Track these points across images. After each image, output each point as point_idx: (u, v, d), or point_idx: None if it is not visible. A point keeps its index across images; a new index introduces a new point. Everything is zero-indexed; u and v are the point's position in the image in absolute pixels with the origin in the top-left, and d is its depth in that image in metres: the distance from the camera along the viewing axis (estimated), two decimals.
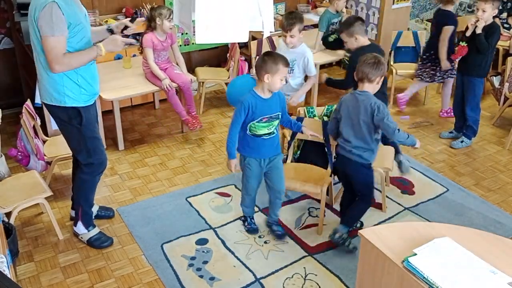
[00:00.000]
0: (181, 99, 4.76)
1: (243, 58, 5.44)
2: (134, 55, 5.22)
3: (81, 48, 2.99)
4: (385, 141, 3.86)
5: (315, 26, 6.36)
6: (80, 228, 3.49)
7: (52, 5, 2.78)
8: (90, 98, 3.15)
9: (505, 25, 6.36)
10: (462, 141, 4.77)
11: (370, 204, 3.52)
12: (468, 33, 4.37)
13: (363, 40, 3.87)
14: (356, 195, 3.46)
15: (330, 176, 3.65)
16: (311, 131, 3.48)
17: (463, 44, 4.43)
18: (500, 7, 5.69)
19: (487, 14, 4.28)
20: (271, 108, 3.25)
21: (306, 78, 4.29)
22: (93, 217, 3.63)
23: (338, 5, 5.20)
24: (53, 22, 2.79)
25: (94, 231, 3.50)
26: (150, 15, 4.52)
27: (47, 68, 2.97)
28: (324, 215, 3.70)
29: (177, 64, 4.80)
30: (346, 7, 6.62)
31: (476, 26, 4.31)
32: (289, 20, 3.98)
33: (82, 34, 2.99)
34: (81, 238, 3.51)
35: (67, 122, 3.13)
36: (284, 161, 3.78)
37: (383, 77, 3.26)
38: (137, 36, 4.78)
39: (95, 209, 3.71)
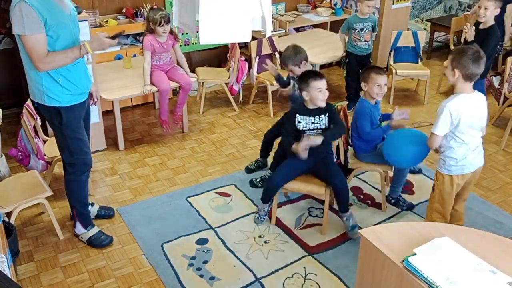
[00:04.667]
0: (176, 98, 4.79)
1: (243, 58, 5.44)
2: (135, 55, 5.23)
3: (59, 48, 2.95)
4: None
5: (315, 26, 6.39)
6: (79, 228, 3.50)
7: (21, 4, 2.76)
8: (74, 98, 3.12)
9: None
10: None
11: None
12: (462, 39, 4.36)
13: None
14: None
15: None
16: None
17: None
18: None
19: (489, 12, 4.27)
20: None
21: None
22: (93, 217, 3.64)
23: (361, 8, 5.07)
24: (23, 21, 2.77)
25: (93, 231, 3.50)
26: (146, 18, 4.52)
27: (28, 67, 2.98)
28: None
29: (178, 65, 4.80)
30: (346, 7, 6.64)
31: (468, 34, 4.27)
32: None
33: (65, 36, 2.95)
34: (81, 238, 3.51)
35: (49, 120, 3.19)
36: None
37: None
38: (138, 36, 4.79)
39: (95, 209, 3.72)
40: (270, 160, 4.32)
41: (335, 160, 3.77)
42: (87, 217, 3.51)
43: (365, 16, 5.11)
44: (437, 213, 3.23)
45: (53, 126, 3.20)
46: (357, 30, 5.13)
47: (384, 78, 3.64)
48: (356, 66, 5.18)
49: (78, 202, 3.44)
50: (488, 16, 4.28)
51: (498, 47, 5.80)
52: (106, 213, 3.77)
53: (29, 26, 2.79)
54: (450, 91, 5.70)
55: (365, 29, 5.11)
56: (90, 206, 3.68)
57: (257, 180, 4.17)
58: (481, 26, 4.40)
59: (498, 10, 4.34)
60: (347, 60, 5.32)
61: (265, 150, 4.33)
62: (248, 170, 4.34)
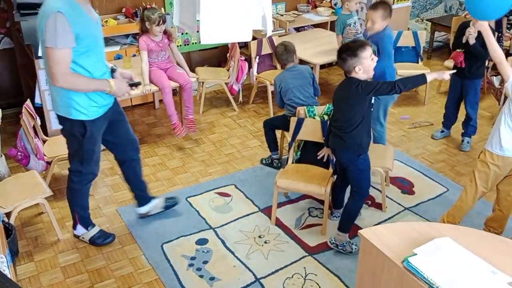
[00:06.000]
0: (180, 101, 4.76)
1: (243, 58, 5.44)
2: (134, 55, 5.22)
3: (86, 65, 2.88)
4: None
5: (315, 26, 6.38)
6: (79, 230, 3.50)
7: (57, 15, 2.67)
8: (100, 110, 3.08)
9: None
10: (468, 142, 4.78)
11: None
12: (464, 39, 4.35)
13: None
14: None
15: (332, 176, 3.65)
16: None
17: (459, 50, 4.43)
18: None
19: None
20: None
21: None
22: (162, 209, 3.71)
23: (350, 6, 5.15)
24: (56, 33, 2.68)
25: (94, 230, 3.50)
26: (141, 17, 4.52)
27: None
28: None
29: (177, 65, 4.80)
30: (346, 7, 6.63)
31: (472, 36, 4.26)
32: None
33: (90, 48, 2.87)
34: (82, 238, 3.51)
35: (70, 132, 3.11)
36: (285, 162, 3.78)
37: None
38: (137, 36, 4.78)
39: (162, 201, 3.73)
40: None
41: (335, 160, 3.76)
42: (87, 219, 3.51)
43: (350, 12, 5.22)
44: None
45: (72, 138, 3.14)
46: (351, 25, 5.19)
47: None
48: None
49: (80, 208, 3.45)
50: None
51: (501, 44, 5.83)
52: (172, 203, 3.78)
53: (62, 39, 2.70)
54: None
55: (355, 22, 5.23)
56: (155, 200, 3.71)
57: (264, 159, 4.38)
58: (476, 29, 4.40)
59: None
60: None
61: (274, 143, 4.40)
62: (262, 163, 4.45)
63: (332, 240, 3.46)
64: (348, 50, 3.07)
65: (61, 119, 3.08)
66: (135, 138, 3.51)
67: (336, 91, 3.30)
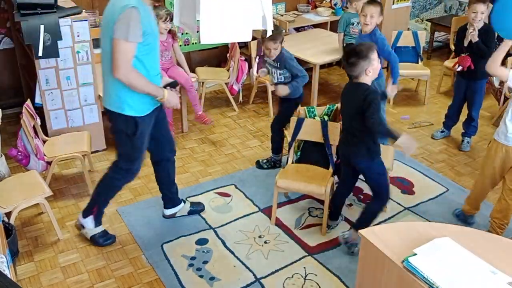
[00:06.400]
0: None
1: (243, 58, 5.44)
2: None
3: (146, 62, 2.95)
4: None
5: (315, 26, 6.38)
6: (88, 222, 3.50)
7: (132, 10, 2.76)
8: (150, 107, 3.12)
9: None
10: (468, 142, 4.79)
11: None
12: (466, 43, 4.36)
13: None
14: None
15: (332, 176, 3.65)
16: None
17: (464, 55, 4.43)
18: None
19: (485, 15, 4.29)
20: None
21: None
22: (186, 213, 3.74)
23: (358, 6, 5.12)
24: (129, 27, 2.77)
25: (99, 228, 3.52)
26: None
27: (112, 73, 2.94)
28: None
29: (178, 65, 4.80)
30: (346, 7, 6.63)
31: (472, 34, 4.28)
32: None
33: (152, 46, 2.97)
34: (85, 233, 3.51)
35: (121, 130, 3.14)
36: (285, 162, 3.78)
37: None
38: None
39: (187, 206, 3.76)
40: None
41: (335, 160, 3.76)
42: (101, 216, 3.54)
43: (357, 11, 5.20)
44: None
45: (122, 135, 3.16)
46: (354, 24, 5.21)
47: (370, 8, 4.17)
48: None
49: (104, 202, 3.48)
50: (483, 19, 4.31)
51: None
52: (197, 209, 3.79)
53: (133, 33, 2.79)
54: (450, 91, 5.71)
55: (359, 22, 5.18)
56: (182, 204, 3.74)
57: (264, 162, 4.33)
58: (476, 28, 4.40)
59: (489, 10, 4.36)
60: None
61: (278, 144, 4.37)
62: (259, 166, 4.40)
63: (345, 235, 3.44)
64: (359, 53, 3.04)
65: (113, 116, 3.12)
66: (173, 137, 3.58)
67: (344, 98, 3.27)
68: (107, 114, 3.19)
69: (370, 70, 3.06)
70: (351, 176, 3.51)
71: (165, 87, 3.26)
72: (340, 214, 3.71)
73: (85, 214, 3.51)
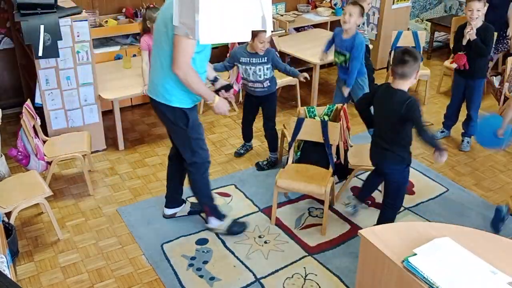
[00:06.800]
0: None
1: None
2: (134, 55, 5.22)
3: (198, 59, 3.00)
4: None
5: (315, 26, 6.38)
6: (213, 222, 3.56)
7: None
8: (195, 100, 3.18)
9: None
10: (468, 142, 4.79)
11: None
12: (464, 42, 4.36)
13: None
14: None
15: (332, 175, 3.65)
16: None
17: (461, 53, 4.43)
18: None
19: (481, 13, 4.29)
20: None
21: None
22: (186, 214, 3.75)
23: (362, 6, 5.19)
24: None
25: (229, 220, 3.58)
26: (143, 16, 4.52)
27: (166, 67, 2.99)
28: None
29: None
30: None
31: (470, 33, 4.28)
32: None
33: (206, 49, 3.04)
34: (218, 230, 3.58)
35: (174, 123, 3.18)
36: (285, 162, 3.78)
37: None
38: (138, 36, 4.79)
39: (188, 207, 3.79)
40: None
41: (335, 160, 3.77)
42: (218, 209, 3.57)
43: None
44: None
45: (176, 129, 3.22)
46: (359, 26, 5.19)
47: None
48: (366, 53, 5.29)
49: (208, 198, 3.53)
50: (480, 17, 4.31)
51: (505, 45, 5.83)
52: (196, 209, 3.80)
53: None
54: (450, 91, 5.70)
55: (364, 22, 5.25)
56: (184, 204, 3.78)
57: (264, 163, 4.33)
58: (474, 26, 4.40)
59: (485, 8, 4.36)
60: None
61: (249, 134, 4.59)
62: (260, 168, 4.40)
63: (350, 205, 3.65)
64: (413, 54, 3.06)
65: (163, 109, 3.15)
66: None
67: (381, 101, 3.23)
68: (153, 104, 3.22)
69: (415, 77, 3.11)
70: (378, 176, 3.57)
71: (219, 89, 3.36)
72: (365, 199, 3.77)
73: (206, 219, 3.61)
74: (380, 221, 3.43)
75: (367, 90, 4.50)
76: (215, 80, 3.49)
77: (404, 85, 3.11)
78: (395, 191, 3.36)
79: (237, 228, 3.59)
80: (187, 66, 2.92)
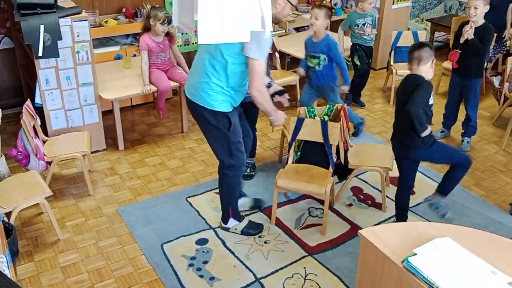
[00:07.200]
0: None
1: None
2: (134, 55, 5.22)
3: (239, 77, 3.07)
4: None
5: None
6: (231, 222, 3.58)
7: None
8: (233, 104, 3.19)
9: None
10: (468, 142, 4.79)
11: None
12: (462, 40, 4.36)
13: None
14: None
15: (332, 175, 3.65)
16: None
17: (456, 50, 4.44)
18: None
19: (479, 11, 4.29)
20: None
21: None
22: (248, 208, 3.81)
23: (363, 6, 5.20)
24: (260, 46, 2.88)
25: (245, 221, 3.61)
26: (147, 14, 4.52)
27: (211, 73, 3.04)
28: None
29: (177, 65, 4.81)
30: (346, 7, 6.64)
31: (468, 32, 4.29)
32: None
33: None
34: (234, 230, 3.60)
35: (216, 126, 3.17)
36: (286, 162, 3.78)
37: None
38: (138, 36, 4.79)
39: (249, 202, 3.83)
40: None
41: (335, 160, 3.77)
42: (238, 211, 3.61)
43: (364, 12, 5.24)
44: None
45: (217, 132, 3.20)
46: (359, 26, 5.21)
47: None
48: (365, 55, 5.33)
49: (235, 200, 3.55)
50: (478, 15, 4.31)
51: (503, 47, 5.83)
52: (257, 205, 3.84)
53: (263, 52, 2.93)
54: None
55: (366, 23, 5.24)
56: (243, 199, 3.81)
57: (247, 171, 4.22)
58: (474, 25, 4.40)
59: (488, 7, 4.35)
60: (357, 49, 5.31)
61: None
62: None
63: (429, 197, 3.65)
64: (430, 45, 3.29)
65: (205, 113, 3.14)
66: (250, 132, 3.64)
67: (399, 91, 3.38)
68: (193, 108, 3.20)
69: (432, 65, 3.23)
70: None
71: (273, 95, 3.38)
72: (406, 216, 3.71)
73: (225, 220, 3.60)
74: (449, 176, 3.52)
75: (338, 93, 4.61)
76: (268, 85, 3.47)
77: (420, 71, 3.24)
78: (446, 159, 3.51)
79: (252, 230, 3.60)
80: (263, 87, 3.03)
